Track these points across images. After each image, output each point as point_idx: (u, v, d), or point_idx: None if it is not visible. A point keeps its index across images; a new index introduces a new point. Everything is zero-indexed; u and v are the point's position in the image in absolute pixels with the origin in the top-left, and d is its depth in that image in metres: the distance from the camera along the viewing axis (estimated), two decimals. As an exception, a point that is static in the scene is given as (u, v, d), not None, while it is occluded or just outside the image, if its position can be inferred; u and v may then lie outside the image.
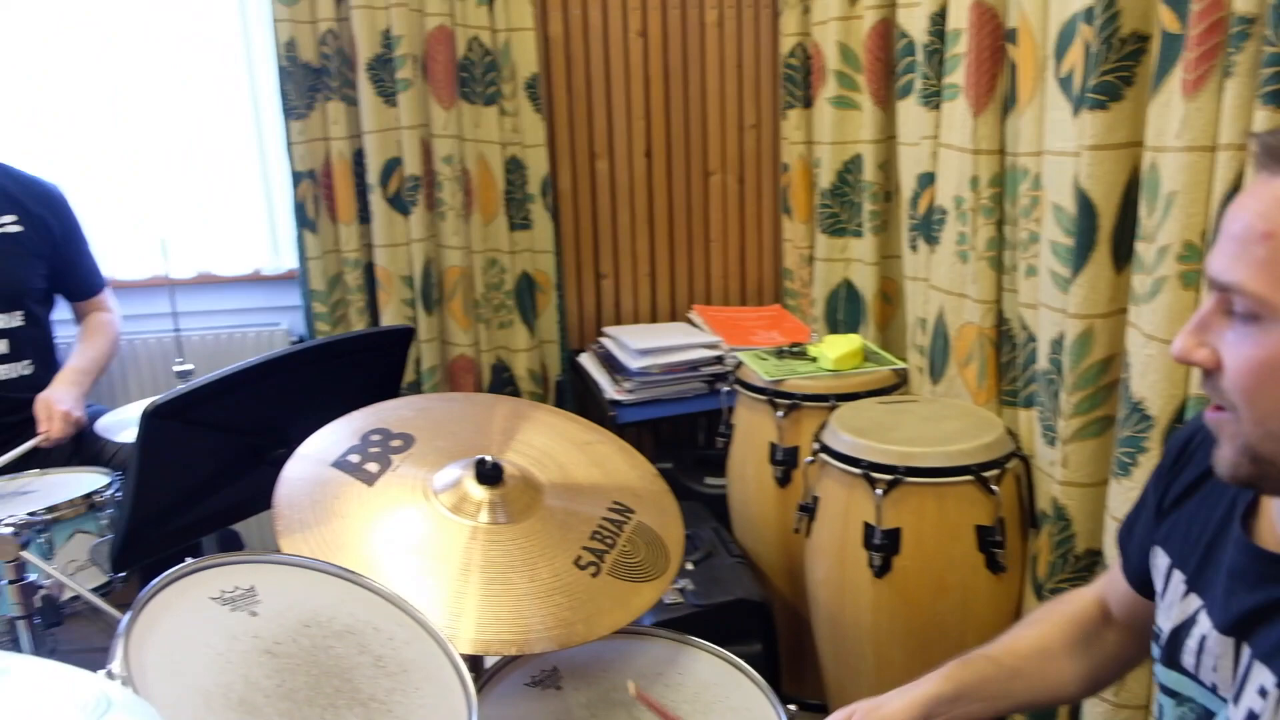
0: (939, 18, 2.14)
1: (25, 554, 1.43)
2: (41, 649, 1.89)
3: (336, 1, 2.57)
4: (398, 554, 1.28)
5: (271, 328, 2.85)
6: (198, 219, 2.77)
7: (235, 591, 1.05)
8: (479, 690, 1.22)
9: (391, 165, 2.68)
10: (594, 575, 1.33)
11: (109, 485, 1.97)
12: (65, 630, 1.69)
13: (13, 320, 2.32)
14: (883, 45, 2.41)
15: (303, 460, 1.44)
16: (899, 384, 2.28)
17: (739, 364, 2.38)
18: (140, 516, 1.55)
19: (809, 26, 2.72)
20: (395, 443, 1.48)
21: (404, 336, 1.87)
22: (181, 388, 1.49)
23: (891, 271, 2.54)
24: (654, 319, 3.12)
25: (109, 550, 1.65)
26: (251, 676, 0.94)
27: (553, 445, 1.55)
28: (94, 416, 2.23)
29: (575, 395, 2.98)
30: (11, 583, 1.44)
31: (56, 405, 2.23)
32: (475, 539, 1.33)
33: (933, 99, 2.18)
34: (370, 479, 1.40)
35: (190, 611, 0.98)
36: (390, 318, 2.75)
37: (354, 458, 1.44)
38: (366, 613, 1.13)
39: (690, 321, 3.01)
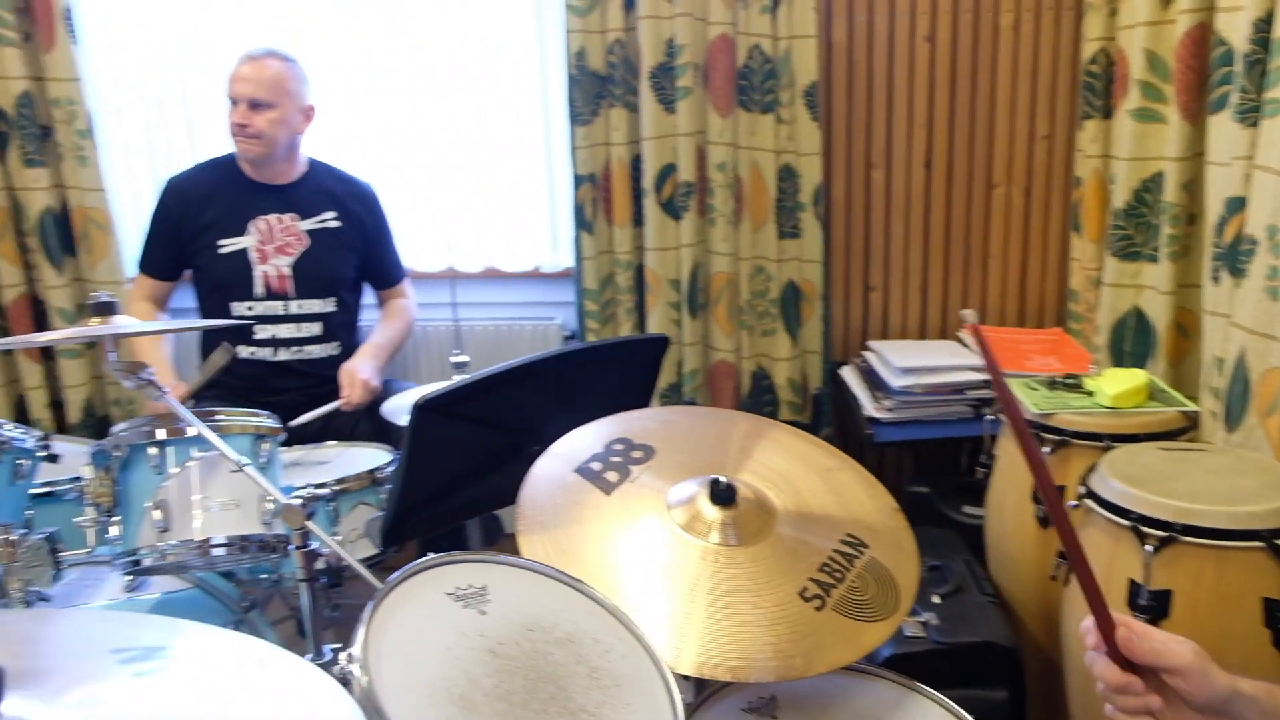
0: (1264, 24, 1.92)
1: (309, 524, 1.60)
2: (324, 607, 2.12)
3: (625, 12, 2.66)
4: (627, 566, 1.32)
5: (546, 322, 3.01)
6: (485, 217, 2.97)
7: (469, 589, 1.13)
8: (695, 710, 1.24)
9: (667, 171, 2.74)
10: (818, 609, 1.31)
11: (390, 462, 2.17)
12: (346, 590, 1.88)
13: (327, 306, 2.60)
14: (1196, 53, 2.18)
15: (550, 461, 1.51)
16: (1187, 428, 2.07)
17: (1007, 392, 2.25)
18: (408, 499, 1.69)
19: (1114, 30, 2.51)
20: (636, 453, 1.52)
21: (660, 345, 1.91)
22: (448, 384, 1.61)
23: (1189, 302, 2.31)
24: (923, 335, 3.01)
25: (380, 526, 1.80)
26: (473, 674, 1.01)
27: (791, 468, 1.54)
28: (389, 389, 2.46)
29: (834, 409, 2.94)
30: (297, 548, 1.61)
31: (358, 374, 2.48)
32: (705, 559, 1.34)
33: (1250, 115, 1.95)
34: (609, 488, 1.45)
35: (426, 605, 1.06)
36: (657, 319, 2.83)
37: (596, 464, 1.49)
38: (588, 622, 1.17)
39: (960, 340, 2.88)
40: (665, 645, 1.21)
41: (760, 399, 2.92)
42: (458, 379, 1.62)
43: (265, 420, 1.83)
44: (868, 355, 2.83)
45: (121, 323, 1.69)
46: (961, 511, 2.53)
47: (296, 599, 2.17)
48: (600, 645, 1.15)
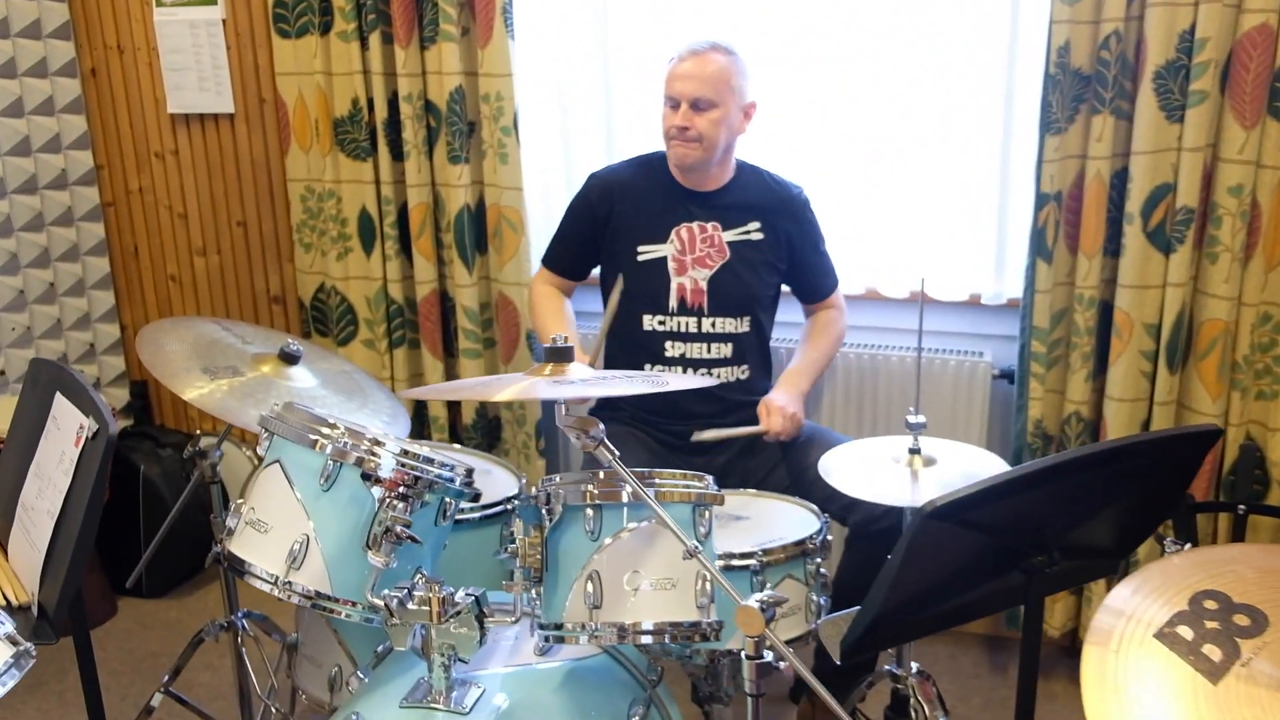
0: None
1: (770, 631, 1.32)
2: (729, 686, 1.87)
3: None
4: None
5: (975, 359, 2.60)
6: (920, 235, 2.59)
7: None
8: None
9: (1160, 192, 2.24)
10: None
11: (819, 531, 1.88)
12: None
13: (741, 326, 2.35)
14: None
15: (1112, 617, 1.13)
16: None
17: None
18: (885, 609, 1.38)
19: None
20: (1240, 619, 1.11)
21: (1209, 440, 1.47)
22: (962, 490, 1.27)
23: None
24: None
25: (841, 637, 1.49)
26: None
27: None
28: (821, 439, 2.18)
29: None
30: (750, 658, 1.35)
31: (774, 402, 2.22)
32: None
33: None
34: (1213, 672, 1.05)
35: None
36: (1122, 371, 2.34)
37: (1185, 631, 1.10)
38: None
39: None
40: None
41: (1246, 476, 2.35)
42: (970, 484, 1.28)
43: (708, 488, 1.58)
44: None
45: (575, 374, 1.49)
46: None
47: (704, 673, 1.94)
48: None
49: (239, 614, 2.22)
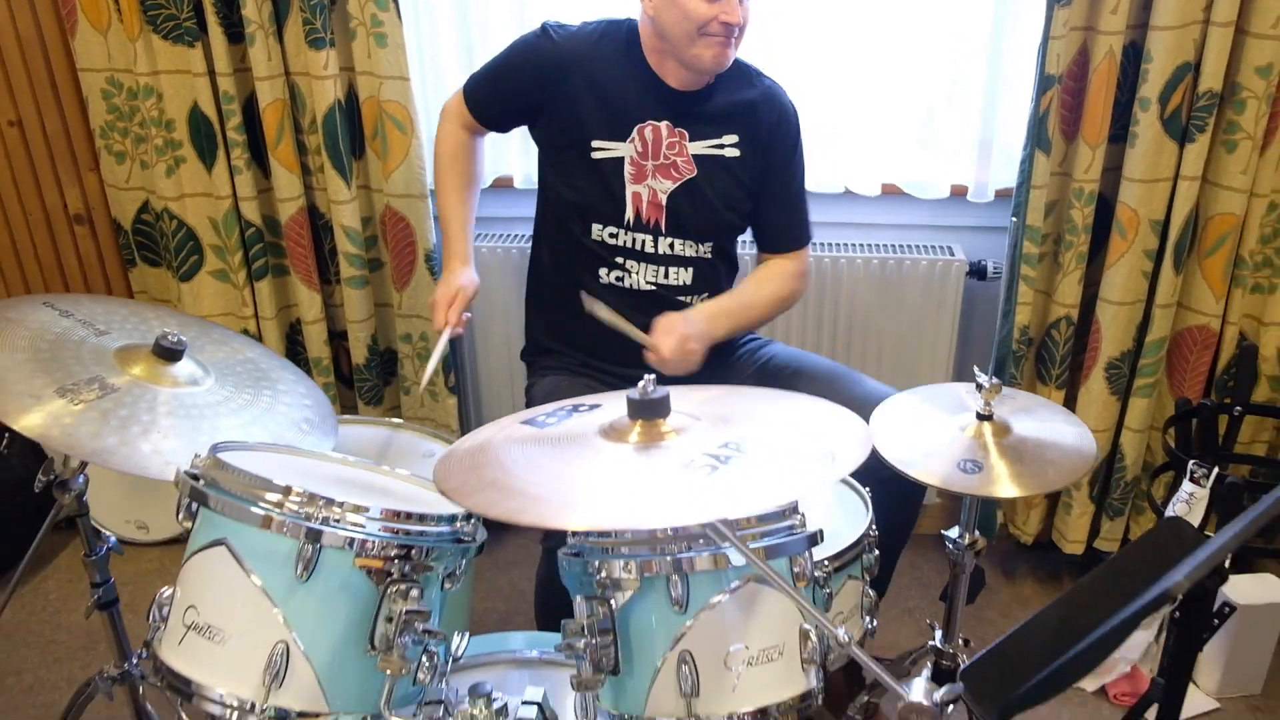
0: None
1: None
2: None
3: None
4: None
5: (947, 256, 2.33)
6: (900, 123, 2.25)
7: None
8: None
9: (1180, 73, 1.97)
10: None
11: (871, 522, 1.59)
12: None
13: (702, 252, 1.95)
14: None
15: None
16: None
17: None
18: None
19: None
20: None
21: None
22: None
23: None
24: None
25: (991, 684, 1.23)
26: None
27: None
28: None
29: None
30: None
31: (678, 327, 1.80)
32: None
33: None
34: None
35: None
36: (1124, 272, 2.13)
37: None
38: None
39: None
40: None
41: (1247, 377, 2.22)
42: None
43: (800, 520, 1.24)
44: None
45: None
46: None
47: None
48: None
49: (132, 656, 1.75)
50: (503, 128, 2.04)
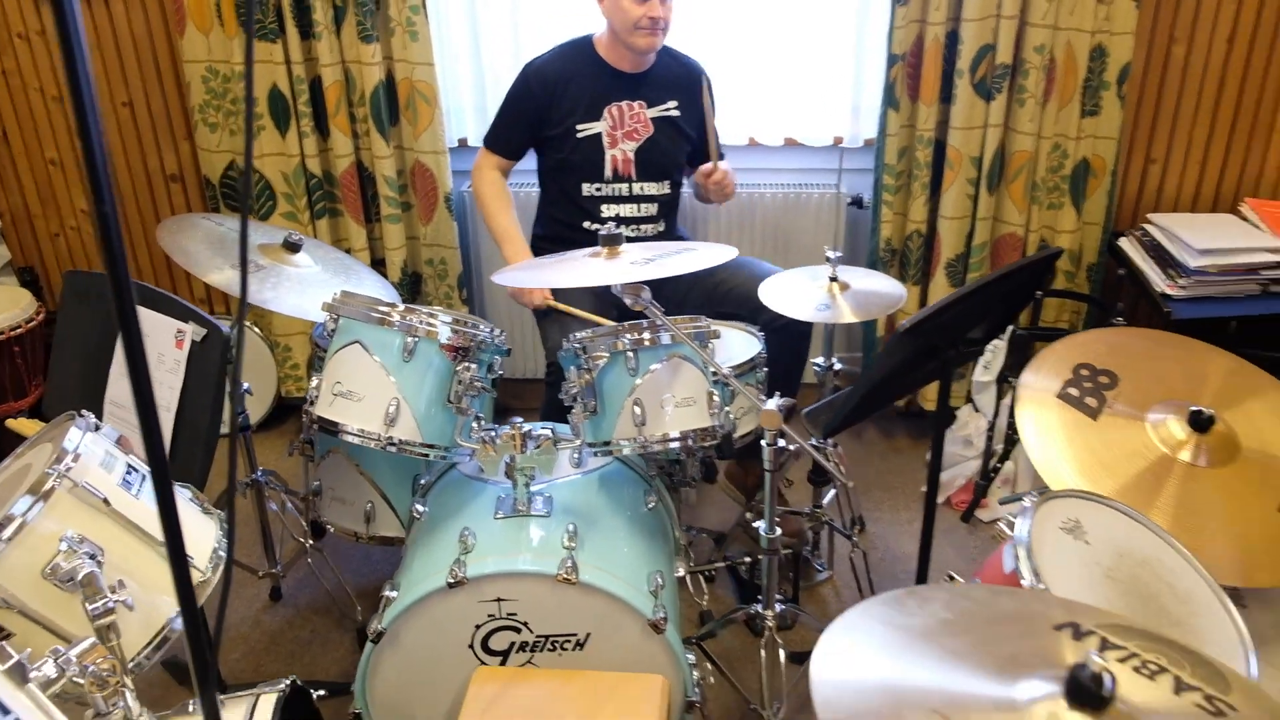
0: None
1: (786, 427, 1.85)
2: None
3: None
4: (1128, 490, 1.56)
5: (832, 190, 3.16)
6: (793, 91, 3.08)
7: (1070, 523, 1.38)
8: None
9: (984, 52, 2.81)
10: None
11: (761, 351, 2.41)
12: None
13: (662, 189, 2.77)
14: None
15: (1032, 391, 1.73)
16: None
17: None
18: (861, 398, 1.94)
19: None
20: (1103, 379, 1.74)
21: (1054, 258, 2.09)
22: (928, 309, 1.81)
23: None
24: (1194, 208, 3.11)
25: (825, 419, 2.05)
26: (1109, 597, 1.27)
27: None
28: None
29: (1109, 280, 3.09)
30: (770, 445, 1.88)
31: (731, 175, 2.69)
32: (1181, 478, 1.58)
33: None
34: (1093, 413, 1.68)
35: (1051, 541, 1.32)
36: (954, 195, 2.97)
37: (1073, 391, 1.71)
38: (1149, 546, 1.43)
39: (1240, 215, 2.99)
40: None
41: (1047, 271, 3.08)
42: (932, 304, 1.82)
43: (708, 327, 2.06)
44: (1150, 229, 2.95)
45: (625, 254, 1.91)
46: None
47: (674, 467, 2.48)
48: (1164, 565, 1.41)
49: (259, 472, 2.54)
50: (522, 154, 2.80)
